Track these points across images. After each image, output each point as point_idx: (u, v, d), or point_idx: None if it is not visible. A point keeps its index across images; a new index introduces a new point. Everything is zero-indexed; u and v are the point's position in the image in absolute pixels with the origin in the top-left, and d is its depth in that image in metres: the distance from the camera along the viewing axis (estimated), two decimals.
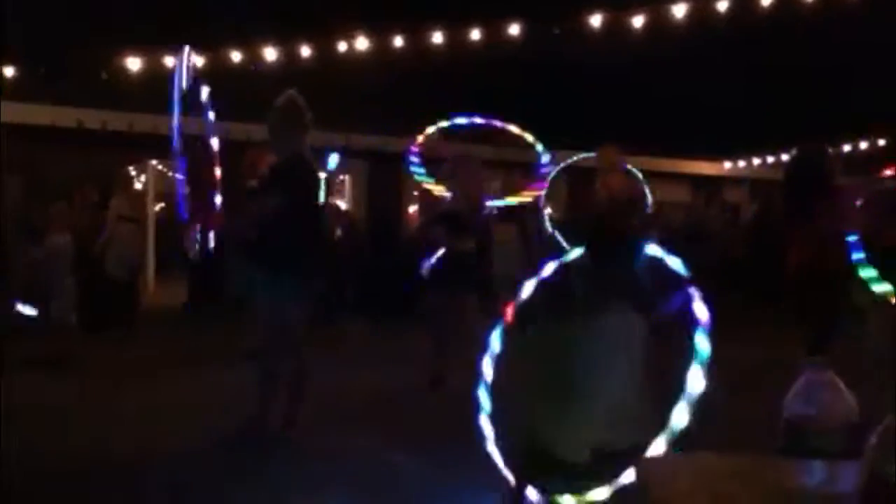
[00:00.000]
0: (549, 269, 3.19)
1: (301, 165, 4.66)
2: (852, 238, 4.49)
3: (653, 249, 3.02)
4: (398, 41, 9.81)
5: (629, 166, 6.76)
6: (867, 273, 4.43)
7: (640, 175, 7.53)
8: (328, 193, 5.09)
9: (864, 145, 13.25)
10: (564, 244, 7.03)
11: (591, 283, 2.93)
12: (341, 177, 13.85)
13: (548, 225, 7.53)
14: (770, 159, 14.94)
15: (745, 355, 6.47)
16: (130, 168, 12.45)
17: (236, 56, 9.78)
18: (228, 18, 10.02)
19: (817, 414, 1.51)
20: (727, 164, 15.92)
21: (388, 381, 6.41)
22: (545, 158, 7.38)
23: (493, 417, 3.17)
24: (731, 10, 9.11)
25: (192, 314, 10.02)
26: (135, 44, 9.57)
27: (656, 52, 10.13)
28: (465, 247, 6.42)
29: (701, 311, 2.76)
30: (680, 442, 2.66)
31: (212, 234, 4.94)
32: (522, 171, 8.62)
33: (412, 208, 13.66)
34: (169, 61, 9.52)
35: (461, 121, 7.34)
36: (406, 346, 7.45)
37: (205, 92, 4.93)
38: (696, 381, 2.65)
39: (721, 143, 14.00)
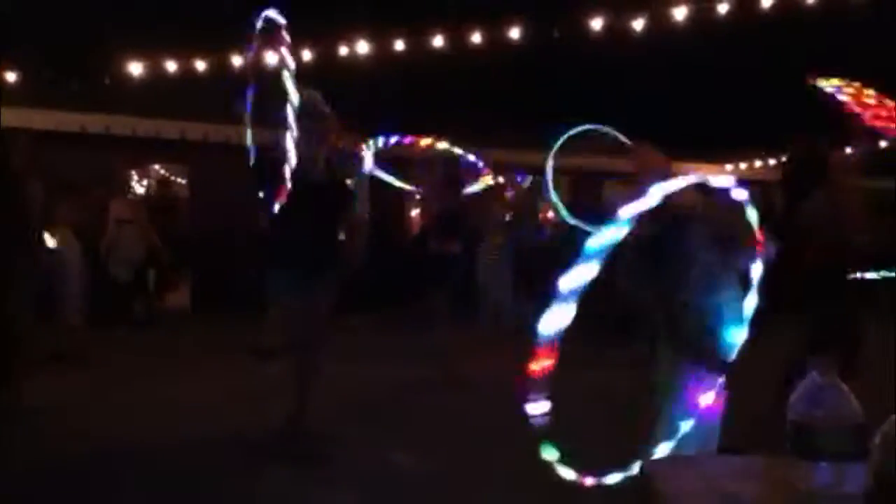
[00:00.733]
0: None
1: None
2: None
3: None
4: (399, 44, 9.82)
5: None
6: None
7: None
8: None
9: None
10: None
11: None
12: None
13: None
14: (771, 161, 14.96)
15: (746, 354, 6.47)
16: (132, 172, 12.50)
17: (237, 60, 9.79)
18: (231, 21, 10.03)
19: (823, 415, 1.52)
20: (728, 167, 15.95)
21: (396, 377, 6.40)
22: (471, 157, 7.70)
23: None
24: (730, 12, 9.12)
25: (197, 314, 10.09)
26: (138, 48, 9.59)
27: (656, 54, 10.15)
28: (450, 249, 6.39)
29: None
30: None
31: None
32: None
33: (414, 212, 13.67)
34: (171, 66, 9.57)
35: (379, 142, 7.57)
36: (405, 342, 7.47)
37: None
38: None
39: (721, 145, 14.02)
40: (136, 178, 14.88)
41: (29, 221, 5.60)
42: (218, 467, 4.40)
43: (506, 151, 11.53)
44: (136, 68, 9.53)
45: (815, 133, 6.03)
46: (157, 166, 14.01)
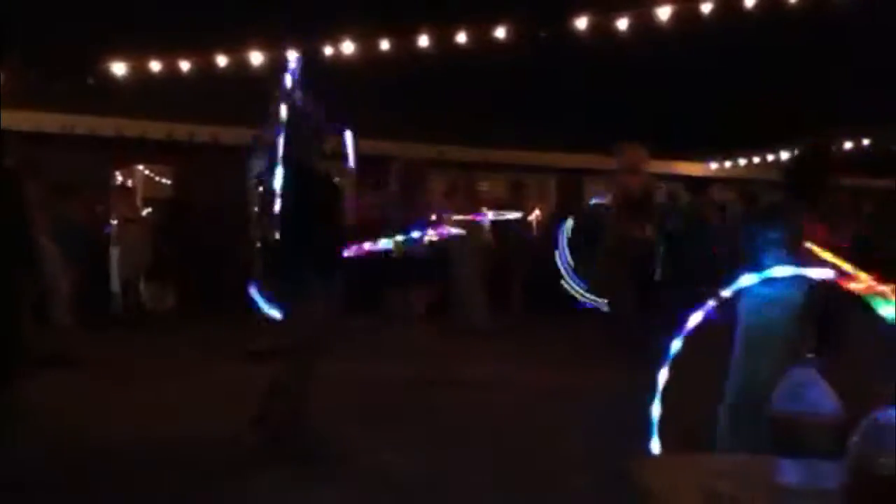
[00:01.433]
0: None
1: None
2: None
3: None
4: (385, 45, 9.82)
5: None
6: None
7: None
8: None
9: (848, 145, 13.34)
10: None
11: None
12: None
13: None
14: (756, 160, 15.07)
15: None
16: (117, 173, 12.45)
17: (222, 60, 9.76)
18: (218, 22, 10.00)
19: (804, 411, 1.55)
20: (713, 165, 16.07)
21: (396, 377, 6.37)
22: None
23: None
24: (716, 10, 9.17)
25: (186, 315, 10.08)
26: (122, 48, 9.55)
27: (644, 53, 10.19)
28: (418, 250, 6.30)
29: None
30: None
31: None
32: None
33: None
34: (155, 66, 9.52)
35: None
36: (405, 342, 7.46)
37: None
38: None
39: (706, 144, 14.11)
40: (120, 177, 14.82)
41: (29, 222, 5.57)
42: (217, 467, 4.39)
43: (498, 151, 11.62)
44: (119, 69, 9.49)
45: (806, 137, 6.08)
46: (141, 166, 13.94)
